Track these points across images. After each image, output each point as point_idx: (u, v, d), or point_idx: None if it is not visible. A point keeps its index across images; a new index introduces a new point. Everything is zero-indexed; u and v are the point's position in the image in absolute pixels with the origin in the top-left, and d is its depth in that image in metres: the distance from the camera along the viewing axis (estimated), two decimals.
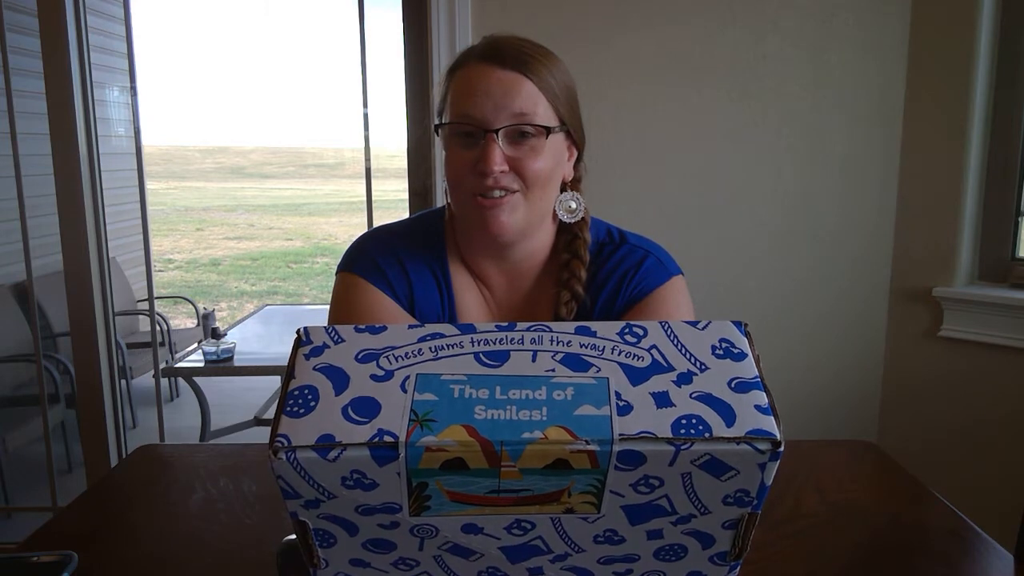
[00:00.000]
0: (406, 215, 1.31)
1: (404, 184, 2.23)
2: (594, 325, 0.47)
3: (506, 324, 0.47)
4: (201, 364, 3.12)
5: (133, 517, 1.03)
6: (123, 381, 3.19)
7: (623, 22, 2.08)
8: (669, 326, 0.46)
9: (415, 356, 0.45)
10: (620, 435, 0.40)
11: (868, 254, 2.20)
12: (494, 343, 0.45)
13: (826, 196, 2.17)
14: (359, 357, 0.45)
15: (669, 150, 2.16)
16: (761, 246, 2.20)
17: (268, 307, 4.91)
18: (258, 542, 0.92)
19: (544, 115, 0.94)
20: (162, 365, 3.15)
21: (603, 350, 0.45)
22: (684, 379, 0.43)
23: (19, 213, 2.26)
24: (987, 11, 1.97)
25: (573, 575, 0.48)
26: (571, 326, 0.47)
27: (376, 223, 2.04)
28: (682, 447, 0.40)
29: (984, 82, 2.00)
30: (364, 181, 2.44)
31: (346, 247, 1.06)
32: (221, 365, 3.12)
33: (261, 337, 3.79)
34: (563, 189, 1.01)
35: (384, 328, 0.47)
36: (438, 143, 2.09)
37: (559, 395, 0.42)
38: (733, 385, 0.43)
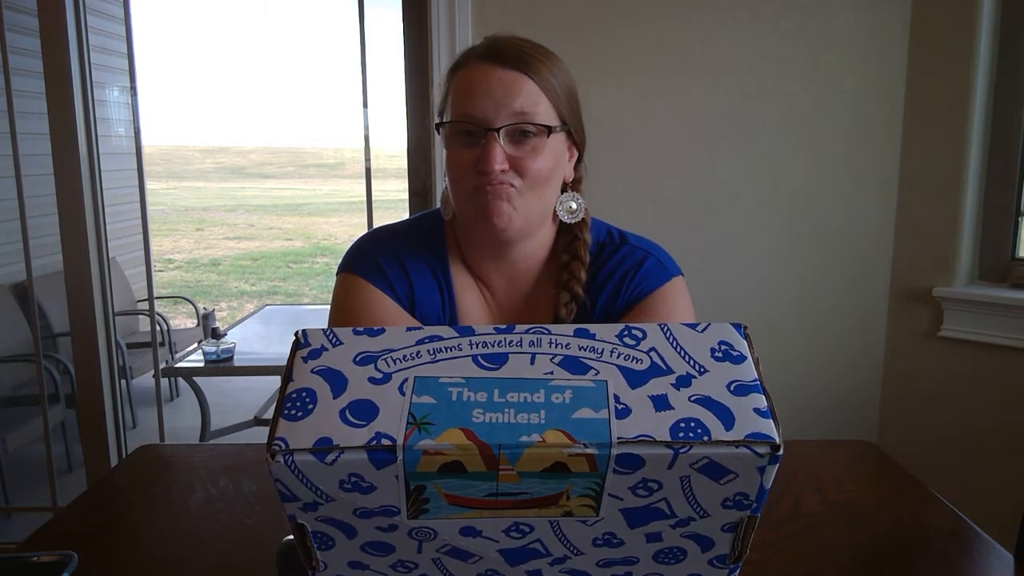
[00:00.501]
0: (406, 215, 1.31)
1: (404, 184, 2.23)
2: (593, 327, 0.46)
3: (504, 326, 0.47)
4: (201, 364, 3.12)
5: (133, 517, 1.03)
6: (123, 381, 3.19)
7: (623, 22, 2.08)
8: (668, 328, 0.46)
9: (413, 359, 0.45)
10: (619, 439, 0.40)
11: (868, 254, 2.20)
12: (492, 345, 0.45)
13: (826, 196, 2.17)
14: (357, 360, 0.45)
15: (669, 150, 2.16)
16: (761, 246, 2.20)
17: (268, 307, 4.91)
18: (258, 542, 0.92)
19: (545, 115, 0.93)
20: (162, 365, 3.16)
21: (602, 352, 0.45)
22: (683, 382, 0.43)
23: (19, 213, 2.26)
24: (987, 11, 1.97)
25: None
26: (570, 328, 0.46)
27: (376, 223, 2.05)
28: (681, 451, 0.40)
29: (984, 82, 2.00)
30: (364, 181, 2.44)
31: (346, 247, 1.06)
32: (221, 365, 3.12)
33: (261, 337, 3.79)
34: (563, 190, 1.01)
35: (382, 330, 0.46)
36: (438, 143, 2.10)
37: (557, 398, 0.42)
38: (732, 388, 0.43)
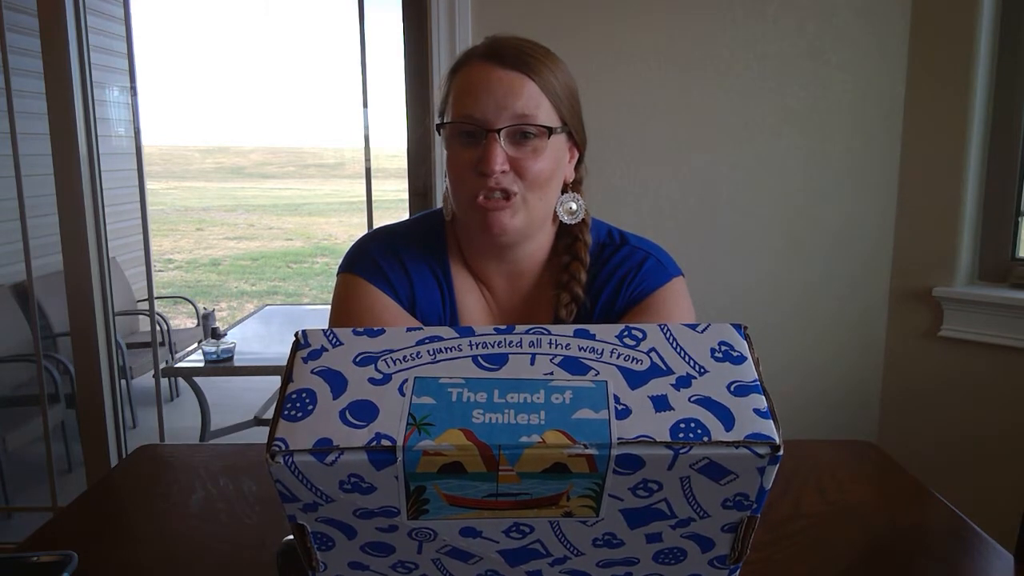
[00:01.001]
0: (406, 215, 1.31)
1: (404, 184, 2.23)
2: (593, 328, 0.46)
3: (504, 327, 0.47)
4: (201, 364, 3.12)
5: (133, 517, 1.03)
6: (123, 381, 3.19)
7: (623, 23, 2.08)
8: (668, 329, 0.46)
9: (413, 359, 0.44)
10: (619, 439, 0.40)
11: (868, 254, 2.20)
12: (492, 346, 0.45)
13: (826, 196, 2.17)
14: (357, 360, 0.45)
15: (669, 151, 2.16)
16: (761, 246, 2.20)
17: (268, 307, 4.91)
18: (258, 542, 0.92)
19: (546, 116, 0.93)
20: (162, 365, 3.16)
21: (602, 353, 0.45)
22: (683, 382, 0.43)
23: (19, 213, 2.26)
24: (987, 11, 1.97)
25: None
26: (570, 329, 0.46)
27: (376, 223, 2.05)
28: (681, 451, 0.40)
29: (984, 82, 2.00)
30: (364, 181, 2.44)
31: (346, 247, 1.06)
32: (221, 365, 3.12)
33: (261, 337, 3.79)
34: (564, 190, 1.01)
35: (382, 331, 0.46)
36: (438, 143, 2.10)
37: (557, 399, 0.42)
38: (732, 389, 0.43)
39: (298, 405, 0.42)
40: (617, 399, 0.42)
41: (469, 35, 2.06)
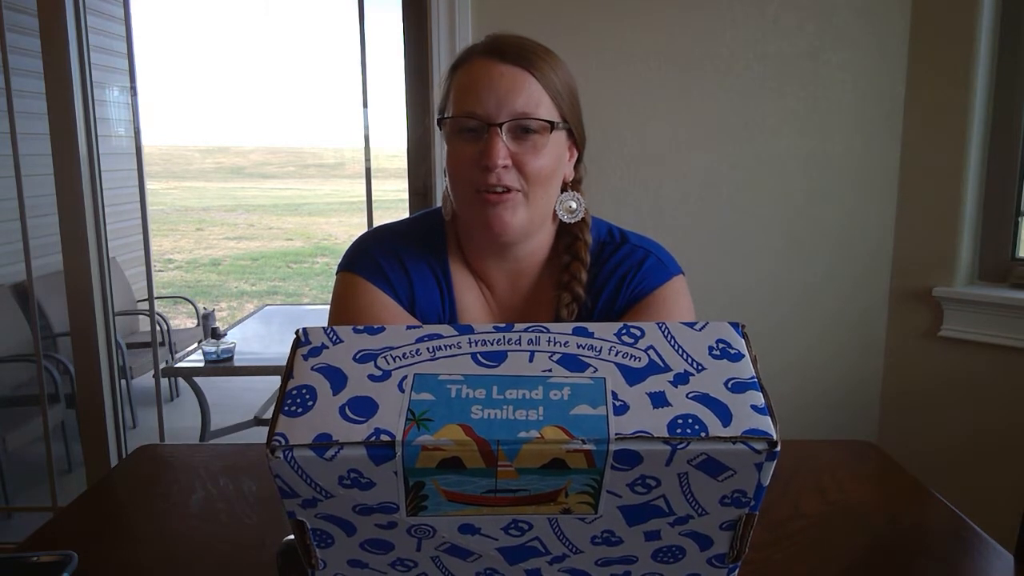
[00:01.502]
0: (406, 215, 1.31)
1: (404, 184, 2.23)
2: (591, 326, 0.47)
3: (504, 325, 0.47)
4: (201, 364, 3.12)
5: (133, 517, 1.03)
6: (123, 381, 3.19)
7: (623, 22, 2.08)
8: (666, 327, 0.47)
9: (413, 356, 0.45)
10: (616, 434, 0.40)
11: (868, 254, 2.20)
12: (491, 344, 0.45)
13: (826, 196, 2.17)
14: (357, 357, 0.45)
15: (669, 150, 2.16)
16: (761, 246, 2.20)
17: (268, 307, 4.91)
18: (258, 542, 0.92)
19: (547, 112, 0.93)
20: (162, 365, 3.16)
21: (600, 351, 0.45)
22: (681, 379, 0.43)
23: (19, 213, 2.26)
24: (987, 11, 1.97)
25: None
26: (568, 327, 0.47)
27: (376, 223, 2.05)
28: (678, 447, 0.40)
29: (984, 82, 2.00)
30: (364, 181, 2.44)
31: (346, 247, 1.06)
32: (221, 365, 3.12)
33: (261, 337, 3.79)
34: (563, 189, 1.01)
35: (382, 329, 0.47)
36: (438, 143, 2.10)
37: (556, 395, 0.42)
38: (730, 385, 0.43)
39: (298, 401, 0.43)
40: (615, 395, 0.42)
41: (469, 35, 2.06)
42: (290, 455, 0.40)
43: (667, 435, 0.40)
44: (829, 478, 1.10)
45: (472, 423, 0.40)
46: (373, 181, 2.43)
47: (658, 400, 0.42)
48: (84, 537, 0.95)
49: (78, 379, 2.30)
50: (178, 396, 4.39)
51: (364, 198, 2.47)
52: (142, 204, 2.57)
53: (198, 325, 4.32)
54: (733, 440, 0.40)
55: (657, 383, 0.43)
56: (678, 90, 2.12)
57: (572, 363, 0.44)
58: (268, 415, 3.53)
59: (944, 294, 2.08)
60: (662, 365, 0.44)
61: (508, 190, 0.92)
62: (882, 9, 2.08)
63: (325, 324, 0.92)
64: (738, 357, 0.45)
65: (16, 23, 2.63)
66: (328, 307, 1.04)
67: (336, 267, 1.05)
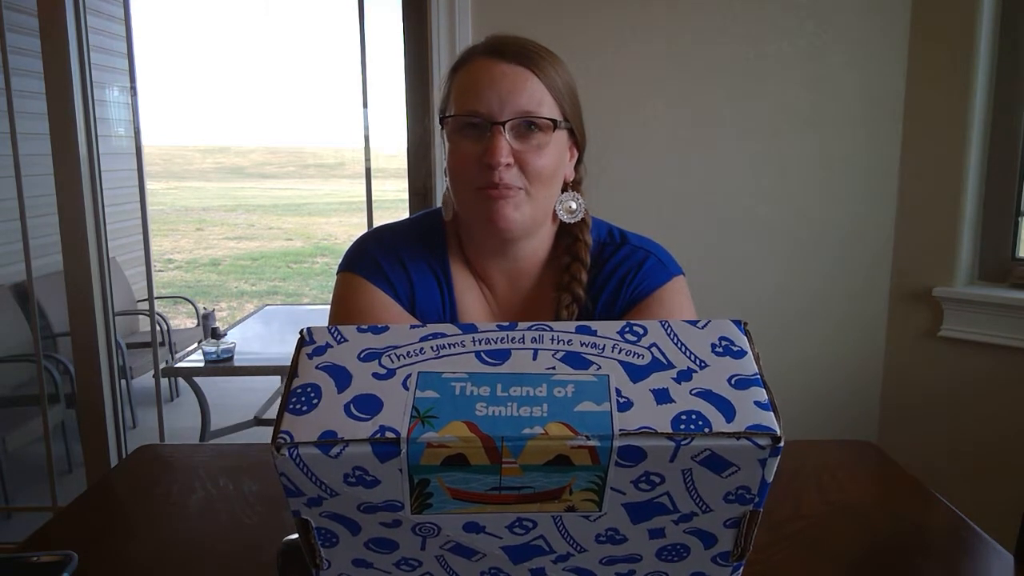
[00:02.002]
0: (406, 215, 1.31)
1: (404, 184, 2.23)
2: (594, 324, 0.47)
3: (507, 324, 0.47)
4: (201, 364, 3.12)
5: (133, 517, 1.03)
6: (123, 381, 3.19)
7: (623, 23, 2.08)
8: (669, 325, 0.47)
9: (417, 355, 0.45)
10: (620, 430, 0.40)
11: (868, 254, 2.20)
12: (495, 342, 0.46)
13: (826, 196, 2.17)
14: (361, 356, 0.45)
15: (669, 150, 2.16)
16: (761, 246, 2.20)
17: (268, 307, 4.91)
18: (258, 542, 0.92)
19: (549, 111, 0.94)
20: (162, 365, 3.16)
21: (603, 348, 0.45)
22: (684, 376, 0.43)
23: (19, 213, 2.26)
24: (987, 11, 1.97)
25: None
26: (572, 325, 0.47)
27: (376, 223, 2.04)
28: (682, 443, 0.40)
29: (984, 82, 2.00)
30: (364, 181, 2.44)
31: (346, 247, 1.06)
32: (221, 365, 3.12)
33: (261, 337, 3.79)
34: (564, 189, 1.01)
35: (386, 328, 0.47)
36: (438, 143, 2.10)
37: (560, 392, 0.42)
38: (733, 382, 0.43)
39: (303, 399, 0.43)
40: (619, 392, 0.42)
41: (469, 35, 2.06)
42: (295, 453, 0.40)
43: (671, 431, 0.40)
44: (829, 478, 1.10)
45: (476, 420, 0.41)
46: (373, 181, 2.43)
47: (662, 397, 0.42)
48: (84, 537, 0.95)
49: (78, 379, 2.30)
50: (178, 396, 4.38)
51: (364, 198, 2.47)
52: (142, 204, 2.57)
53: (198, 325, 4.32)
54: (737, 436, 0.40)
55: (660, 380, 0.43)
56: (678, 90, 2.12)
57: (576, 361, 0.44)
58: (268, 415, 3.54)
59: (944, 294, 2.08)
60: (665, 362, 0.44)
61: (511, 188, 0.92)
62: (882, 9, 2.08)
63: (326, 324, 0.92)
64: (741, 354, 0.45)
65: (16, 23, 2.63)
66: (328, 307, 1.04)
67: (336, 267, 1.05)
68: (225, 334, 3.47)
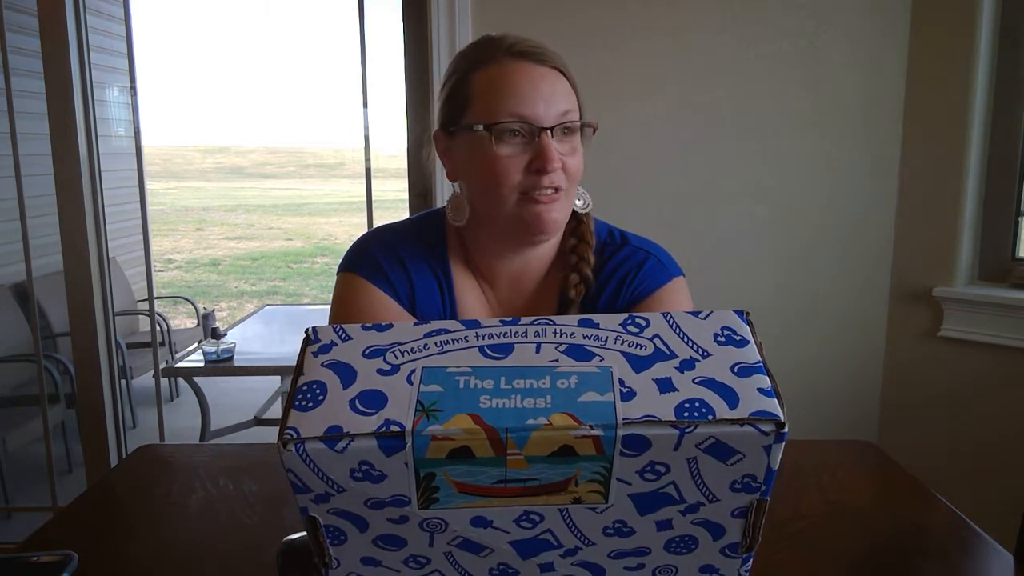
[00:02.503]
0: (406, 215, 1.31)
1: (404, 184, 2.23)
2: (597, 317, 0.47)
3: (510, 319, 0.47)
4: (201, 364, 3.12)
5: (133, 517, 1.03)
6: (123, 381, 3.19)
7: (622, 22, 2.08)
8: (671, 316, 0.47)
9: (421, 351, 0.45)
10: (624, 419, 0.40)
11: (868, 254, 2.20)
12: (498, 336, 0.46)
13: (826, 196, 2.17)
14: (366, 353, 0.46)
15: (669, 150, 2.16)
16: (761, 247, 2.20)
17: (268, 307, 4.90)
18: (258, 542, 0.92)
19: (579, 113, 0.95)
20: (162, 365, 3.15)
21: (606, 340, 0.45)
22: (687, 365, 0.44)
23: (19, 213, 2.26)
24: (987, 11, 1.97)
25: (584, 571, 0.48)
26: (574, 319, 0.47)
27: (376, 223, 2.05)
28: (686, 430, 0.40)
29: (984, 82, 2.00)
30: (364, 181, 2.44)
31: (346, 247, 1.06)
32: (221, 365, 3.12)
33: (261, 337, 3.79)
34: None
35: (390, 325, 0.47)
36: None
37: (563, 383, 0.42)
38: (735, 370, 0.43)
39: (309, 396, 0.43)
40: (622, 383, 0.42)
41: (469, 35, 2.06)
42: (302, 448, 0.41)
43: (674, 419, 0.40)
44: (829, 478, 1.10)
45: (481, 412, 0.41)
46: (373, 181, 2.43)
47: (665, 386, 0.42)
48: (84, 537, 0.95)
49: (78, 379, 2.30)
50: (178, 396, 4.38)
51: (364, 198, 2.47)
52: (142, 204, 2.57)
53: (198, 325, 4.32)
54: (741, 422, 0.40)
55: (663, 369, 0.43)
56: (678, 90, 2.12)
57: (579, 353, 0.45)
58: (268, 415, 3.54)
59: (944, 294, 2.08)
60: (668, 352, 0.44)
61: (557, 190, 0.93)
62: (882, 9, 2.08)
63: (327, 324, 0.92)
64: (744, 343, 0.45)
65: (16, 23, 2.63)
66: (328, 307, 1.04)
67: (336, 267, 1.05)
68: (225, 334, 3.47)
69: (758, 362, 0.44)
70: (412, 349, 0.45)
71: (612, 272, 1.01)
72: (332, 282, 1.05)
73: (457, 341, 0.46)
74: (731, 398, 0.41)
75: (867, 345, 2.23)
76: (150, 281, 2.68)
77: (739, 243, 2.19)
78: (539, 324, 0.47)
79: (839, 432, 2.24)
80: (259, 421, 3.52)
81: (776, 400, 0.41)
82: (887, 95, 2.12)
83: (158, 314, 3.67)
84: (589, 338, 0.46)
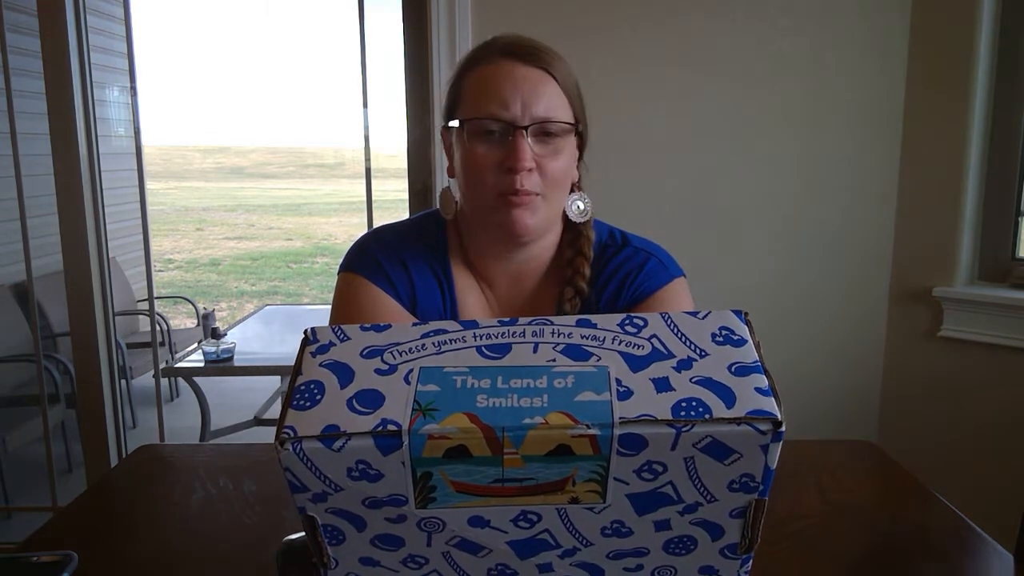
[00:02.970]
0: (406, 215, 1.31)
1: (404, 184, 2.23)
2: (595, 318, 0.47)
3: (508, 319, 0.47)
4: (201, 364, 3.12)
5: (133, 517, 1.03)
6: (123, 381, 3.19)
7: (622, 23, 2.08)
8: (669, 317, 0.47)
9: (418, 351, 0.45)
10: (620, 418, 0.40)
11: (868, 254, 2.20)
12: (496, 337, 0.46)
13: (826, 196, 2.17)
14: (364, 353, 0.46)
15: (669, 151, 2.16)
16: (761, 247, 2.20)
17: (268, 307, 4.90)
18: (258, 542, 0.92)
19: (566, 114, 0.94)
20: (162, 365, 3.15)
21: (603, 340, 0.45)
22: (684, 365, 0.44)
23: (19, 213, 2.26)
24: (987, 11, 1.97)
25: (583, 572, 0.48)
26: (572, 319, 0.47)
27: (376, 223, 2.05)
28: (683, 429, 0.40)
29: (984, 82, 2.00)
30: (364, 181, 2.44)
31: (346, 247, 1.06)
32: (221, 365, 3.12)
33: (261, 337, 3.79)
34: (571, 190, 1.01)
35: (388, 326, 0.48)
36: (439, 143, 2.10)
37: (560, 383, 0.43)
38: (733, 369, 0.43)
39: (306, 396, 0.43)
40: (619, 382, 0.42)
41: (469, 35, 2.06)
42: (299, 447, 0.41)
43: (671, 418, 0.40)
44: (829, 478, 1.10)
45: (477, 411, 0.41)
46: (373, 181, 2.43)
47: (662, 385, 0.42)
48: (84, 537, 0.95)
49: (78, 379, 2.30)
50: (178, 396, 4.38)
51: (364, 198, 2.47)
52: (142, 204, 2.57)
53: (198, 325, 4.32)
54: (738, 421, 0.40)
55: (660, 369, 0.43)
56: (678, 90, 2.12)
57: (576, 353, 0.45)
58: (268, 415, 3.54)
59: (944, 294, 2.08)
60: (665, 352, 0.44)
61: (530, 193, 0.92)
62: (882, 9, 2.08)
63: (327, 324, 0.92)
64: (741, 343, 0.45)
65: (16, 23, 2.63)
66: (329, 307, 1.04)
67: (336, 267, 1.05)
68: (225, 334, 3.47)
69: (755, 362, 0.44)
70: (410, 349, 0.45)
71: (613, 273, 1.01)
72: (332, 282, 1.05)
73: (455, 341, 0.46)
74: (728, 397, 0.41)
75: (867, 345, 2.23)
76: (150, 281, 2.68)
77: (739, 243, 2.19)
78: (537, 324, 0.47)
79: (838, 432, 2.24)
80: (259, 421, 3.52)
81: (773, 399, 0.41)
82: (887, 95, 2.12)
83: (158, 314, 3.67)
84: (586, 338, 0.46)
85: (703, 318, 0.47)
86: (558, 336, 0.46)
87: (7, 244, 3.26)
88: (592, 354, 0.44)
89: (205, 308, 4.96)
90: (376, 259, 1.01)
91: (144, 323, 4.67)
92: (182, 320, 6.47)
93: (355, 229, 12.14)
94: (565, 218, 1.02)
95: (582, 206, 1.00)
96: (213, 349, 3.11)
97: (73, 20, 2.11)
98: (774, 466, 0.42)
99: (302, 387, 0.44)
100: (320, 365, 0.45)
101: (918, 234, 2.14)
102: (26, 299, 3.31)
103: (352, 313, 0.99)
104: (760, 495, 0.43)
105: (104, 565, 0.88)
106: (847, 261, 2.20)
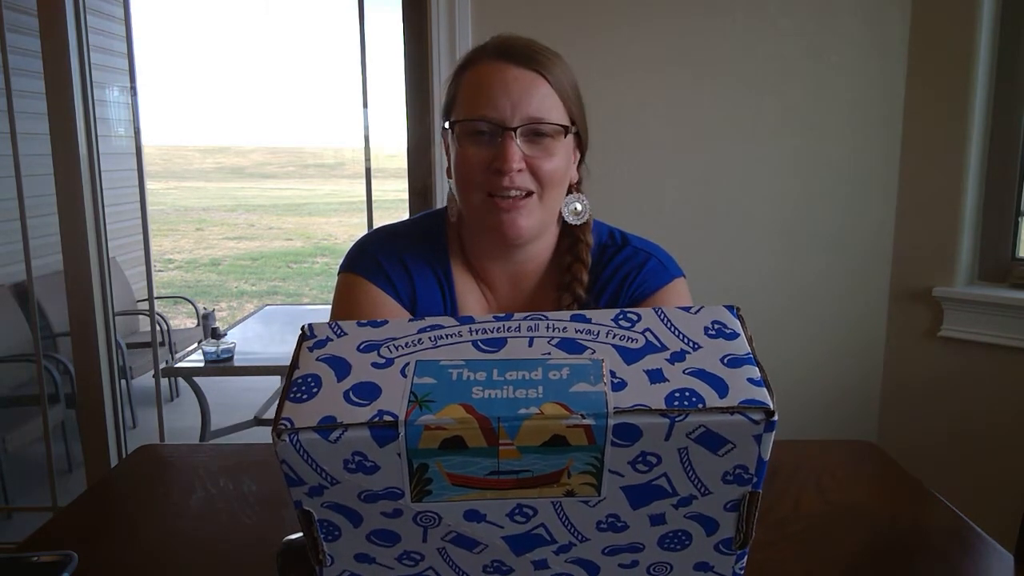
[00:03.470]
0: (406, 215, 1.31)
1: (404, 184, 2.23)
2: (589, 313, 0.48)
3: (504, 315, 0.48)
4: (201, 364, 3.12)
5: (133, 517, 1.03)
6: (123, 381, 3.19)
7: (623, 23, 2.08)
8: (662, 311, 0.48)
9: (415, 345, 0.46)
10: (615, 408, 0.41)
11: (868, 254, 2.20)
12: (492, 331, 0.47)
13: (826, 196, 2.17)
14: (361, 348, 0.46)
15: (669, 151, 2.16)
16: (761, 247, 2.20)
17: (268, 307, 4.90)
18: (258, 542, 0.92)
19: (559, 115, 0.93)
20: (162, 365, 3.16)
21: (598, 334, 0.46)
22: (677, 357, 0.44)
23: (19, 213, 2.26)
24: (987, 11, 1.97)
25: (578, 567, 0.48)
26: (567, 314, 0.48)
27: (376, 223, 2.05)
28: (676, 419, 0.40)
29: (984, 82, 2.00)
30: (364, 181, 2.44)
31: (346, 247, 1.06)
32: (221, 365, 3.12)
33: (261, 337, 3.79)
34: (568, 191, 1.01)
35: (385, 322, 0.48)
36: (439, 143, 2.10)
37: (555, 375, 0.43)
38: (725, 361, 0.44)
39: (303, 388, 0.43)
40: (613, 374, 0.43)
41: (469, 35, 2.06)
42: (295, 439, 0.41)
43: (665, 407, 0.41)
44: (829, 478, 1.10)
45: (473, 402, 0.41)
46: (373, 181, 2.43)
47: (655, 376, 0.43)
48: (84, 537, 0.95)
49: (78, 379, 2.30)
50: (178, 396, 4.38)
51: (364, 198, 2.47)
52: (142, 204, 2.57)
53: (198, 325, 4.32)
54: (731, 411, 0.40)
55: (654, 361, 0.44)
56: (678, 90, 2.12)
57: (571, 346, 0.45)
58: (268, 415, 3.54)
59: (944, 294, 2.08)
60: (659, 345, 0.45)
61: (523, 193, 0.92)
62: (882, 9, 2.08)
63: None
64: (734, 336, 0.46)
65: (16, 23, 2.63)
66: (329, 307, 1.05)
67: (336, 267, 1.05)
68: (225, 334, 3.47)
69: (748, 354, 0.44)
70: (406, 344, 0.46)
71: (613, 273, 1.01)
72: (332, 282, 1.05)
73: (451, 336, 0.46)
74: (721, 388, 0.42)
75: (867, 345, 2.23)
76: (150, 281, 2.68)
77: (738, 244, 2.19)
78: (532, 319, 0.47)
79: (838, 432, 2.24)
80: (259, 421, 3.52)
81: (766, 389, 0.42)
82: (887, 95, 2.12)
83: (158, 314, 3.67)
84: (581, 332, 0.46)
85: (696, 313, 0.48)
86: (553, 330, 0.46)
87: (7, 244, 3.26)
88: (586, 347, 0.45)
89: (205, 308, 4.96)
90: (376, 259, 1.01)
91: (144, 323, 4.67)
92: (182, 320, 6.47)
93: (355, 229, 12.14)
94: (564, 218, 1.02)
95: (579, 208, 1.00)
96: (213, 349, 3.11)
97: (73, 20, 2.11)
98: (767, 457, 0.42)
99: (299, 380, 0.44)
100: (317, 359, 0.45)
101: (918, 234, 2.14)
102: (26, 299, 3.31)
103: (353, 313, 0.99)
104: (754, 487, 0.43)
105: (104, 565, 0.88)
106: (847, 261, 2.20)
